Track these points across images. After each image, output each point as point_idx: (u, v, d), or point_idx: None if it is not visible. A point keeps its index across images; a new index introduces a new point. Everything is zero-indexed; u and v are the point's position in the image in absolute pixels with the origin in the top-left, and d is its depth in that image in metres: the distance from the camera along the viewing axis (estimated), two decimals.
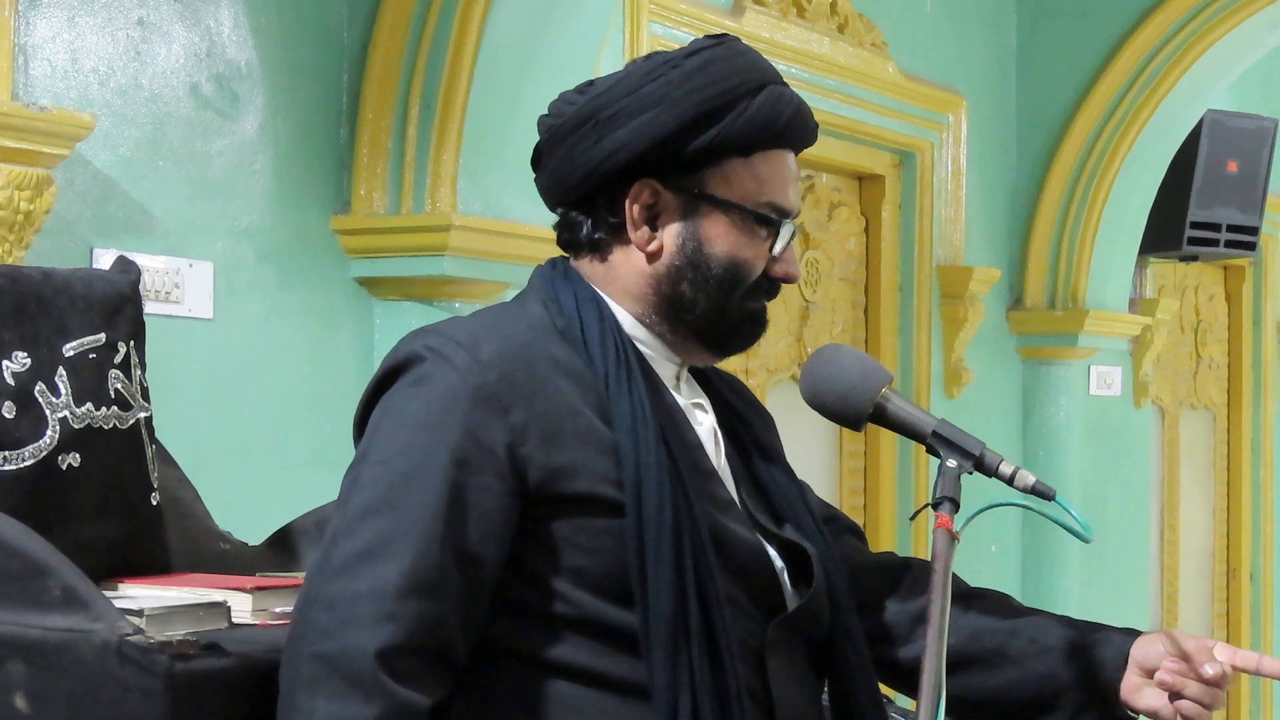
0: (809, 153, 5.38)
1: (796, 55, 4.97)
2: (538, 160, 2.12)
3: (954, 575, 2.24)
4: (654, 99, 2.01)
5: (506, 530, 1.92)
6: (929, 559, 1.96)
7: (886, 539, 5.41)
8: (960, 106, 5.68)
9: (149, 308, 2.60)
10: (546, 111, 2.10)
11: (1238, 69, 6.01)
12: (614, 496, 1.93)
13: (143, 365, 2.23)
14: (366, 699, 1.81)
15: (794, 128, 2.08)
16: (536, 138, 2.12)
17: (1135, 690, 2.10)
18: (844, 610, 2.09)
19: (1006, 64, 5.94)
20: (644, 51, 4.35)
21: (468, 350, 1.95)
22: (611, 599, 1.93)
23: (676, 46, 4.38)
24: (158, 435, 2.29)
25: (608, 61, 4.06)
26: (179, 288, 3.37)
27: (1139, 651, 2.11)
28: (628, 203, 2.04)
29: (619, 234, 2.06)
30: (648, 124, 2.01)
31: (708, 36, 2.11)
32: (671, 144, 2.01)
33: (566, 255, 2.13)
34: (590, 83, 2.09)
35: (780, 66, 5.16)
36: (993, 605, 2.19)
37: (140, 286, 2.26)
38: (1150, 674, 2.09)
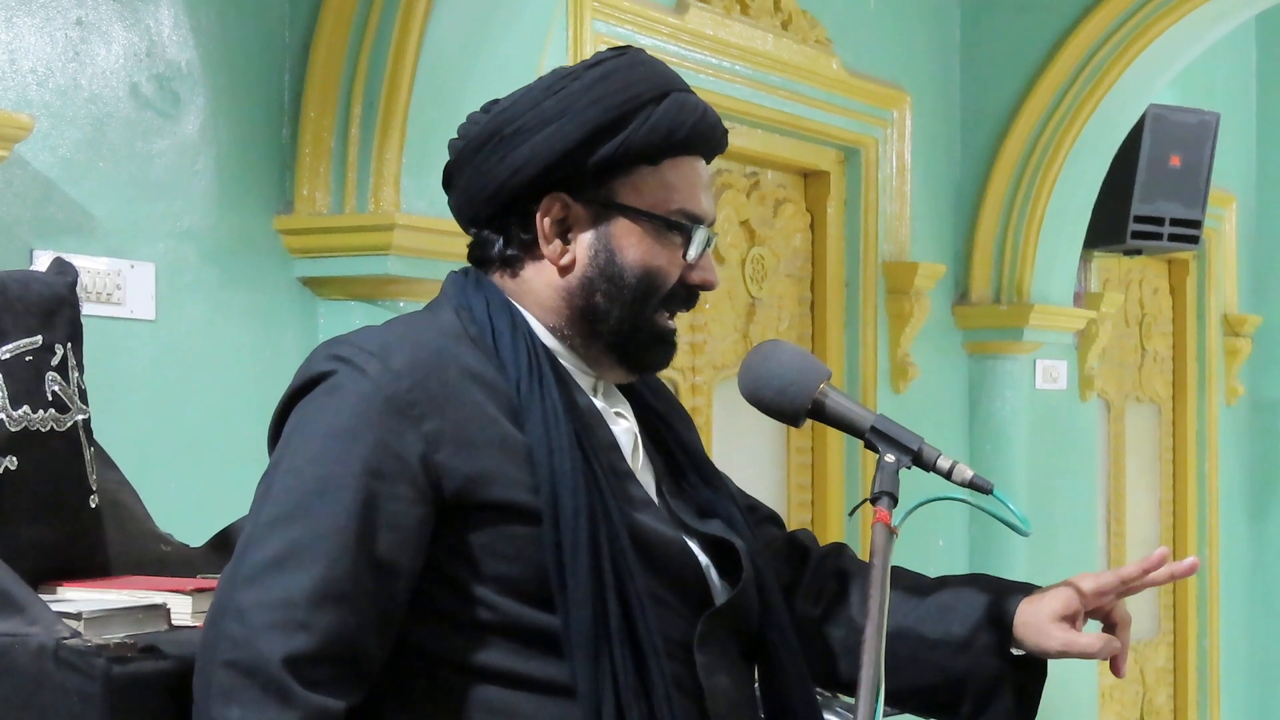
0: (754, 149, 5.40)
1: (740, 52, 4.97)
2: (448, 182, 2.12)
3: (843, 561, 2.25)
4: (556, 112, 2.01)
5: (421, 538, 1.92)
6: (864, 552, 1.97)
7: (834, 534, 5.42)
8: (904, 102, 5.70)
9: (90, 309, 2.59)
10: (455, 134, 2.10)
11: (1180, 64, 6.04)
12: (530, 503, 1.94)
13: (80, 367, 2.22)
14: (281, 706, 1.81)
15: (700, 134, 2.07)
16: None
17: (1040, 633, 2.13)
18: (773, 603, 2.10)
19: (950, 60, 5.96)
20: (588, 48, 4.35)
21: (379, 359, 1.95)
22: (533, 603, 1.94)
23: (621, 44, 4.37)
24: (100, 437, 2.28)
25: (551, 59, 4.06)
26: (120, 289, 3.35)
27: (1025, 614, 2.14)
28: (538, 217, 2.04)
29: (531, 249, 2.06)
30: (551, 137, 2.01)
31: (610, 49, 2.11)
32: (577, 156, 2.01)
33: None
34: (494, 101, 2.09)
35: (724, 64, 5.20)
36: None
37: (78, 288, 2.25)
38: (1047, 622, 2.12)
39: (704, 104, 2.09)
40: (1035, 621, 2.13)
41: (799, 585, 2.24)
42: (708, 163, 2.11)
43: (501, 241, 2.07)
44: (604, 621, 1.92)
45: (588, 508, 1.94)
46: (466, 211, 2.10)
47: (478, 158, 2.05)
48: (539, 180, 2.02)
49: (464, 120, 2.11)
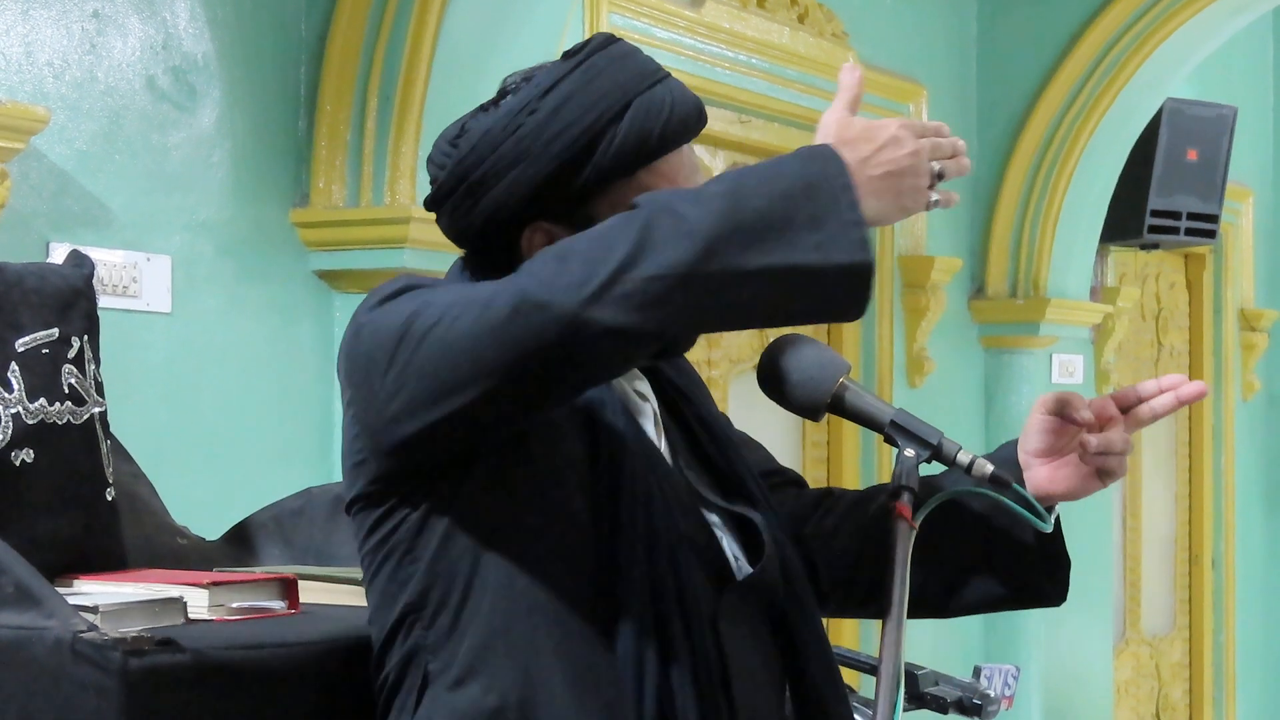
0: (770, 143, 5.37)
1: (757, 46, 4.97)
2: (432, 208, 2.09)
3: (837, 491, 2.24)
4: (518, 153, 1.95)
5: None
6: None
7: None
8: (921, 96, 5.69)
9: (106, 302, 2.59)
10: (430, 156, 2.07)
11: (1197, 57, 6.03)
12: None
13: (97, 360, 2.22)
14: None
15: (671, 132, 1.99)
16: None
17: (1049, 480, 2.16)
18: (795, 579, 2.08)
19: (966, 53, 5.95)
20: None
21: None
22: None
23: (637, 39, 4.35)
24: (116, 430, 2.28)
25: None
26: (136, 282, 3.35)
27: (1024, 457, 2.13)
28: (523, 247, 1.99)
29: None
30: (517, 181, 1.95)
31: (562, 60, 2.03)
32: (547, 192, 1.96)
33: None
34: (463, 129, 2.03)
35: (740, 57, 5.18)
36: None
37: (94, 281, 2.25)
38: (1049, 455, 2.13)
39: (670, 96, 2.00)
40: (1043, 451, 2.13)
41: (819, 507, 2.21)
42: (689, 142, 2.04)
43: (490, 268, 2.01)
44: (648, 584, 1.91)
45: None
46: (453, 239, 2.08)
47: (449, 203, 2.01)
48: (516, 216, 1.98)
49: (437, 140, 2.06)
